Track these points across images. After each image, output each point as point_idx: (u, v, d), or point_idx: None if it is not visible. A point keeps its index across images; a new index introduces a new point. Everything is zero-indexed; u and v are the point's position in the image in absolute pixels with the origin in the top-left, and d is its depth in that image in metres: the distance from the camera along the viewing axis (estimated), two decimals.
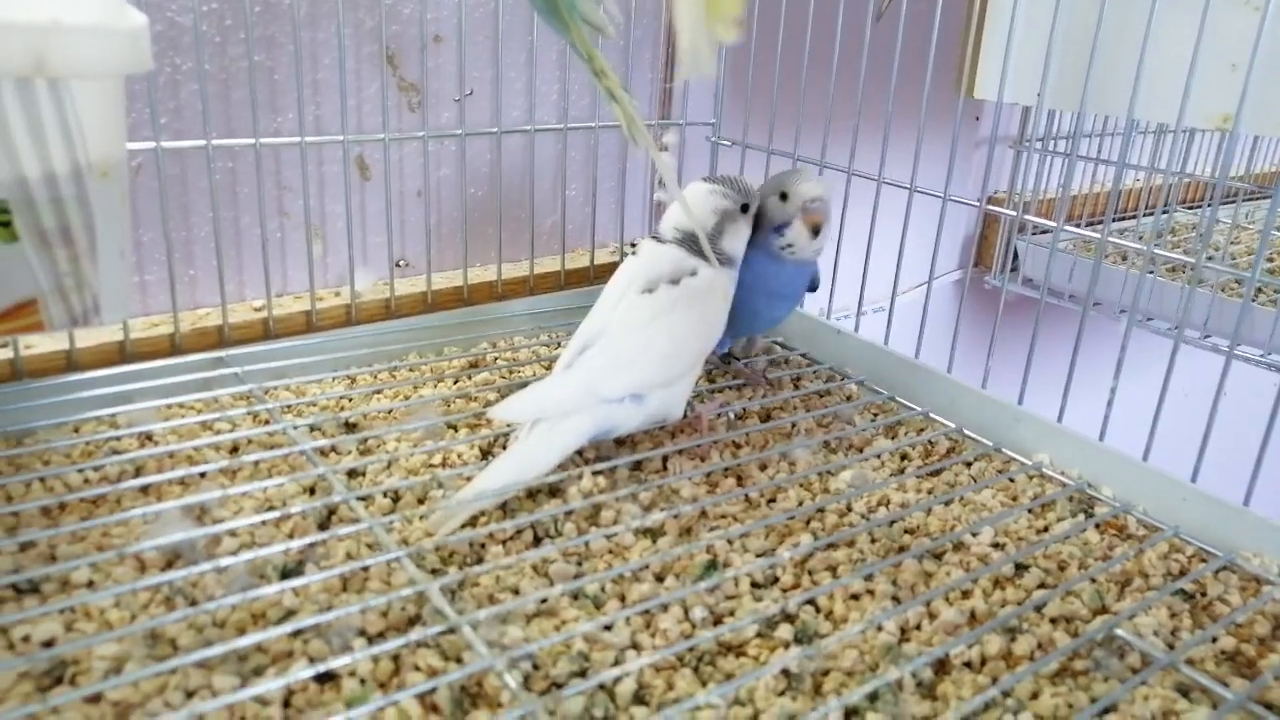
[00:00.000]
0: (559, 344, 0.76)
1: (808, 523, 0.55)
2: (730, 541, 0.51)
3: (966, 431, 0.66)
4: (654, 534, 0.52)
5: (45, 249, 0.47)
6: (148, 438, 0.58)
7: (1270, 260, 1.18)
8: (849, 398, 0.72)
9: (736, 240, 0.63)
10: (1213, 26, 0.59)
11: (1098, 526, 0.56)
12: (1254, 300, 1.01)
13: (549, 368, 0.71)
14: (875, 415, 0.70)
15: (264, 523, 0.49)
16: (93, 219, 0.48)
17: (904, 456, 0.64)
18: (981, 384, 0.71)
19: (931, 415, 0.69)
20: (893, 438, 0.67)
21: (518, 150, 0.82)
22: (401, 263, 0.80)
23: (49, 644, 0.40)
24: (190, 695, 0.38)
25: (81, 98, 0.45)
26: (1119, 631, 0.46)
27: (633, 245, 0.71)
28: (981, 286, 1.19)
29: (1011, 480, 0.61)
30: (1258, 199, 1.36)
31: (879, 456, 0.63)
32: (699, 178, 0.64)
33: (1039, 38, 0.68)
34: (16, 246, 0.46)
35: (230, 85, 0.69)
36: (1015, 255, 1.17)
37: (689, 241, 0.62)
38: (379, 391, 0.66)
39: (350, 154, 0.74)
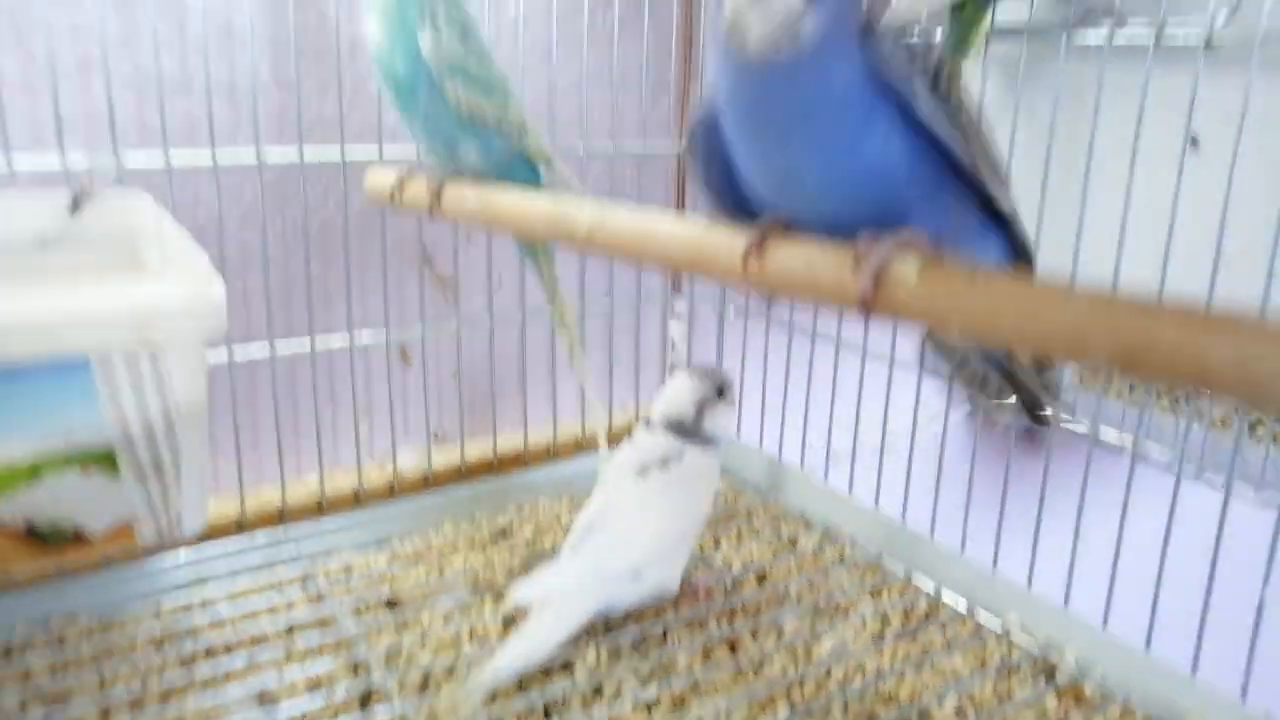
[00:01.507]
0: (577, 509, 0.85)
1: (788, 692, 0.61)
2: (718, 714, 0.58)
3: (944, 593, 0.73)
4: (650, 707, 0.59)
5: (141, 480, 0.57)
6: (218, 621, 0.67)
7: None
8: (840, 558, 0.79)
9: (714, 422, 0.70)
10: (1134, 229, 0.67)
11: (1057, 692, 0.62)
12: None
13: (567, 533, 0.79)
14: (863, 575, 0.77)
15: (315, 705, 0.58)
16: (179, 452, 0.58)
17: (885, 620, 0.71)
18: (960, 545, 0.78)
19: (913, 578, 0.75)
20: (876, 597, 0.73)
21: (543, 328, 0.92)
22: (438, 434, 0.90)
23: None
24: None
25: (173, 359, 0.56)
26: None
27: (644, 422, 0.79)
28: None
29: (982, 643, 0.67)
30: None
31: (862, 619, 0.70)
32: (681, 370, 0.73)
33: None
34: (118, 481, 0.57)
35: (290, 293, 0.80)
36: None
37: (675, 426, 0.70)
38: (417, 563, 0.75)
39: (392, 345, 0.85)
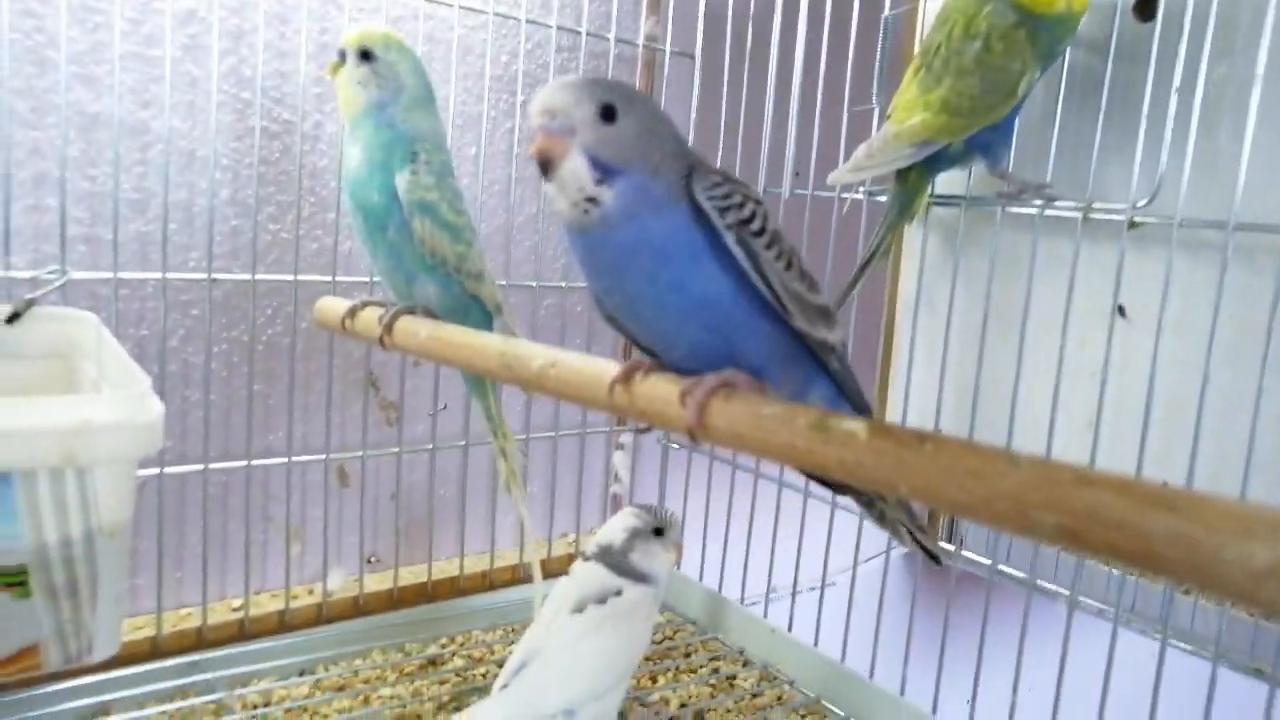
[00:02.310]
0: (513, 641, 0.82)
1: None
2: None
3: None
4: None
5: (53, 601, 0.55)
6: None
7: None
8: (780, 699, 0.78)
9: (649, 560, 0.68)
10: (1068, 390, 0.69)
11: None
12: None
13: (500, 666, 0.77)
14: (802, 718, 0.75)
15: None
16: (97, 573, 0.56)
17: None
18: (900, 688, 0.77)
19: None
20: None
21: (485, 456, 0.91)
22: (372, 559, 0.88)
23: None
24: None
25: (101, 476, 0.54)
26: None
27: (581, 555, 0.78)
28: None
29: None
30: None
31: None
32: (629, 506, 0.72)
33: (933, 377, 0.79)
34: (28, 602, 0.54)
35: (230, 411, 0.79)
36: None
37: (605, 555, 0.68)
38: (341, 693, 0.72)
39: (331, 466, 0.83)
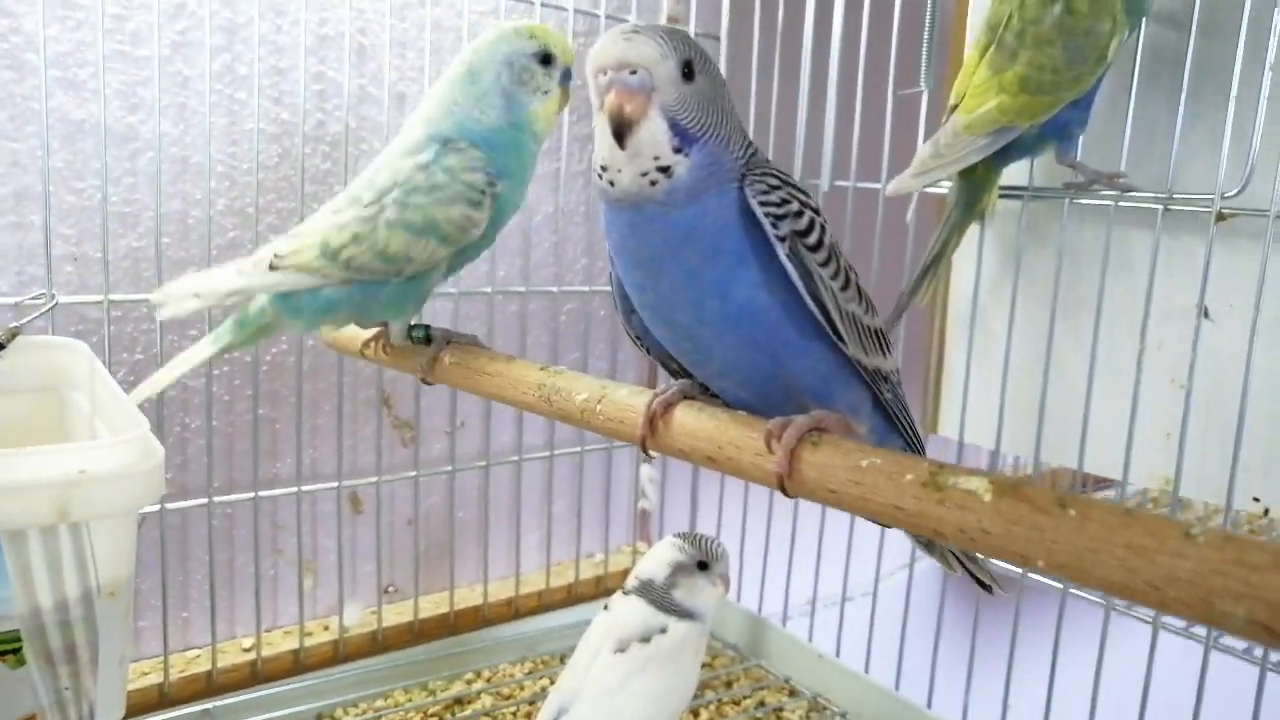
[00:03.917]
0: (543, 676, 0.77)
1: None
2: None
3: None
4: None
5: (49, 668, 0.49)
6: None
7: None
8: None
9: (695, 595, 0.63)
10: (1146, 400, 0.64)
11: None
12: None
13: (531, 705, 0.72)
14: None
15: None
16: (96, 635, 0.50)
17: None
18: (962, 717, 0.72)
19: None
20: None
21: (507, 473, 0.86)
22: (390, 589, 0.83)
23: None
24: None
25: (98, 531, 0.49)
26: None
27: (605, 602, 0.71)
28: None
29: None
30: None
31: None
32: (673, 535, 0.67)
33: (993, 387, 0.73)
34: (22, 670, 0.49)
35: (234, 438, 0.73)
36: None
37: (647, 590, 0.63)
38: None
39: (343, 493, 0.78)
